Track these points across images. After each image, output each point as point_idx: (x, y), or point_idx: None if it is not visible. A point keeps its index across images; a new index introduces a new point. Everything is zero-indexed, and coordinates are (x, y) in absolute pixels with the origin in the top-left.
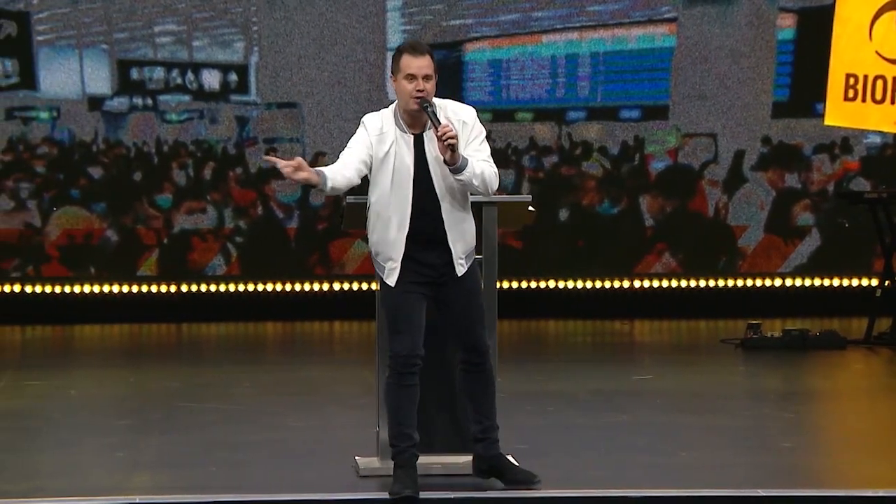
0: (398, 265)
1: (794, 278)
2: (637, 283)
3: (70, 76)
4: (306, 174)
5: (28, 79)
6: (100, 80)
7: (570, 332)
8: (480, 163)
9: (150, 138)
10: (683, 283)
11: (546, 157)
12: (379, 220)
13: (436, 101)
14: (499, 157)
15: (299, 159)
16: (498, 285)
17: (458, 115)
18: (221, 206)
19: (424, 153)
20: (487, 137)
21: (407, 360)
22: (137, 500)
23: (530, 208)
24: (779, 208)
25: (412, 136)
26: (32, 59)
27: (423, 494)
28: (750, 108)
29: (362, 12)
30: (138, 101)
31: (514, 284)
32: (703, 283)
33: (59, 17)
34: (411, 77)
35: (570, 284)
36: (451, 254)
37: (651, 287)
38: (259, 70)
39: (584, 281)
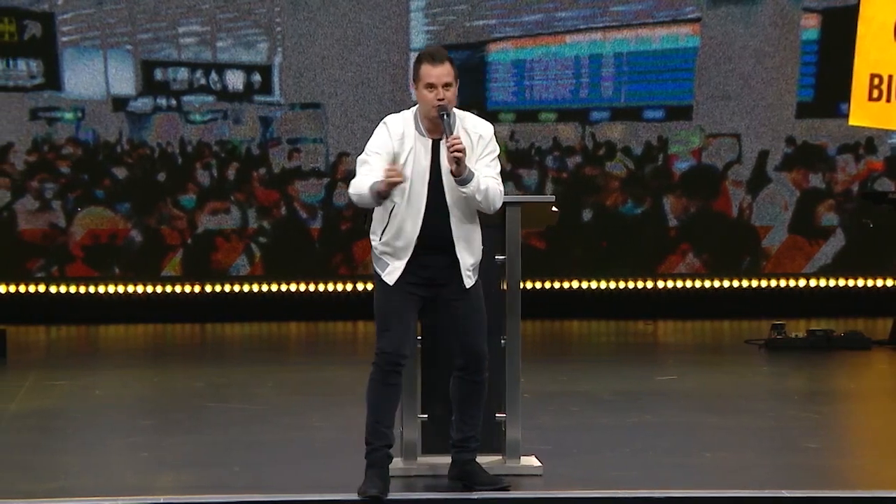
0: (402, 267)
1: (818, 279)
2: (661, 284)
3: (94, 77)
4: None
5: (53, 79)
6: (124, 80)
7: (593, 333)
8: (487, 179)
9: (173, 139)
10: (707, 284)
11: (569, 157)
12: (393, 221)
13: (457, 111)
14: (522, 157)
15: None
16: (521, 286)
17: (476, 129)
18: (245, 206)
19: (440, 160)
20: (511, 138)
21: (391, 359)
22: (162, 500)
23: (554, 209)
24: (803, 209)
25: (430, 141)
26: (57, 59)
27: (449, 495)
28: (774, 108)
29: (386, 13)
30: (162, 101)
31: (538, 285)
32: (726, 284)
33: (84, 18)
34: (431, 86)
35: (594, 285)
36: (456, 262)
37: (675, 287)
38: (282, 71)
39: (608, 281)
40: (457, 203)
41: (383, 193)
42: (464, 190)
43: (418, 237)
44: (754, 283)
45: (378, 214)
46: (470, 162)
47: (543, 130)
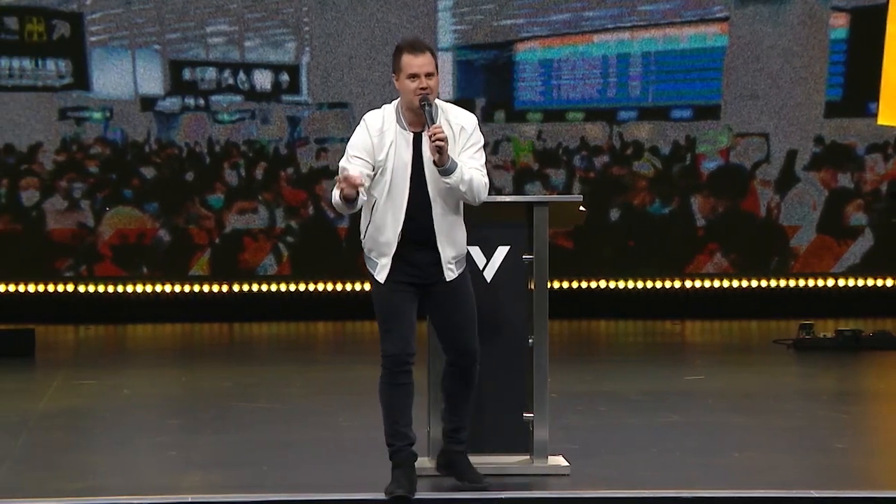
0: (389, 262)
1: (846, 278)
2: (688, 284)
3: (123, 77)
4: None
5: (81, 79)
6: (152, 80)
7: (621, 333)
8: (471, 170)
9: (201, 138)
10: (735, 284)
11: (597, 157)
12: (375, 216)
13: (440, 103)
14: (550, 157)
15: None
16: (549, 285)
17: (458, 120)
18: (273, 206)
19: (422, 152)
20: (538, 137)
21: (398, 359)
22: (189, 499)
23: (581, 208)
24: (831, 208)
25: (412, 134)
26: (85, 59)
27: (477, 495)
28: (802, 107)
29: (413, 12)
30: (190, 101)
31: (565, 284)
32: (754, 284)
33: (112, 18)
34: (414, 76)
35: (621, 284)
36: (439, 256)
37: (702, 287)
38: (310, 70)
39: (635, 281)
40: (439, 195)
41: (348, 198)
42: (447, 180)
43: (401, 231)
44: (782, 283)
45: (363, 213)
46: (453, 153)
47: (571, 130)
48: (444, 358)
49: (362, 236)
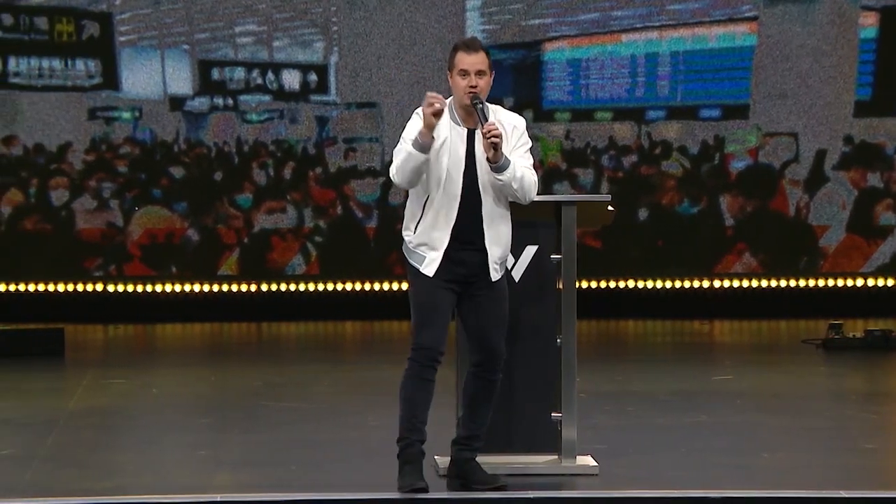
0: (440, 257)
1: (876, 278)
2: (717, 283)
3: (152, 76)
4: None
5: (110, 79)
6: (181, 80)
7: (649, 332)
8: (523, 168)
9: (230, 138)
10: (764, 283)
11: (625, 156)
12: (428, 211)
13: (489, 105)
14: (578, 156)
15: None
16: (577, 285)
17: (510, 120)
18: (301, 205)
19: (475, 149)
20: (567, 137)
21: (429, 354)
22: (219, 499)
23: (609, 208)
24: (861, 208)
25: (465, 130)
26: (115, 59)
27: (503, 495)
28: (832, 106)
29: (442, 12)
30: (219, 101)
31: (594, 284)
32: (783, 284)
33: (141, 18)
34: (464, 73)
35: (650, 284)
36: (486, 255)
37: (731, 287)
38: (339, 70)
39: (664, 281)
40: (490, 193)
41: (427, 133)
42: (500, 177)
43: (453, 226)
44: (811, 283)
45: (411, 209)
46: (505, 151)
47: (599, 129)
48: (470, 360)
49: (412, 232)
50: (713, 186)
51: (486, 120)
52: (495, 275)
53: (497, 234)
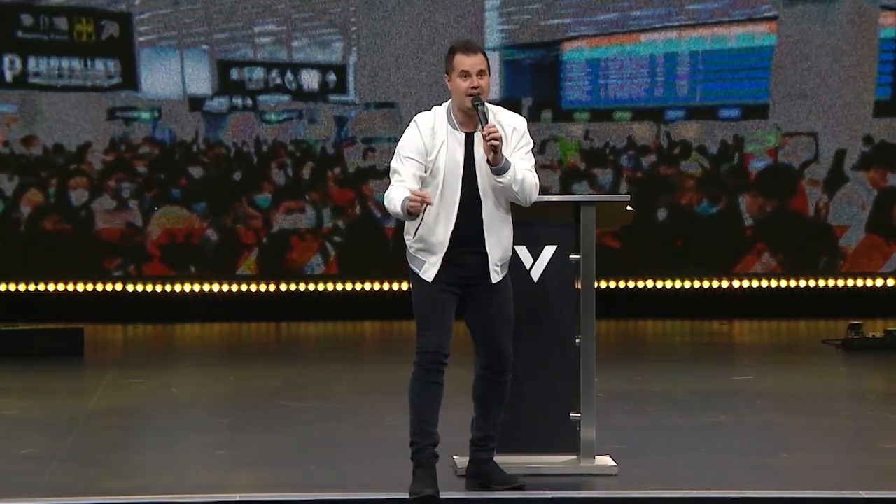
0: (439, 261)
1: (895, 278)
2: (736, 283)
3: (171, 77)
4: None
5: (130, 79)
6: (200, 80)
7: (668, 332)
8: (524, 170)
9: (249, 138)
10: (783, 284)
11: (644, 156)
12: (427, 217)
13: (490, 106)
14: (597, 156)
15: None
16: (596, 285)
17: (509, 121)
18: (320, 205)
19: (473, 152)
20: (586, 137)
21: (434, 358)
22: (238, 498)
23: (629, 208)
24: (880, 208)
25: (463, 134)
26: (134, 59)
27: (522, 495)
28: (851, 106)
29: (460, 12)
30: (238, 101)
31: (612, 284)
32: (803, 284)
33: (161, 19)
34: (465, 74)
35: (669, 284)
36: (486, 258)
37: (750, 287)
38: (357, 70)
39: (683, 281)
40: (490, 197)
41: (413, 214)
42: (500, 180)
43: (452, 231)
44: (831, 283)
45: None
46: (505, 153)
47: (618, 129)
48: (478, 362)
49: (411, 236)
50: (732, 186)
51: (487, 122)
52: (495, 276)
53: (498, 238)
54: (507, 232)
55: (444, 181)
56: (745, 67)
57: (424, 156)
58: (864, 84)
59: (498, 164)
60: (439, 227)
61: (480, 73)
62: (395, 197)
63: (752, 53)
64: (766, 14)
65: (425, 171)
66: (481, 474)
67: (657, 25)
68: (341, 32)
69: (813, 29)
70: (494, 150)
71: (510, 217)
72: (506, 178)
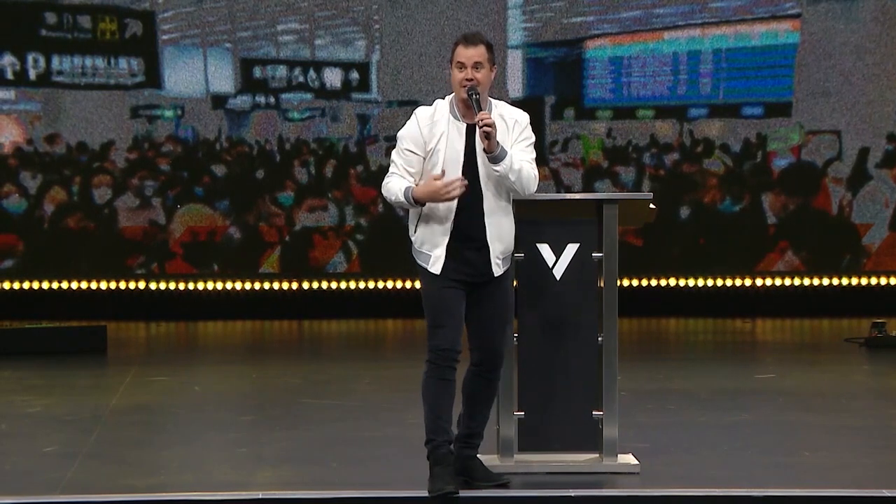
0: (443, 254)
1: None
2: (759, 282)
3: (194, 75)
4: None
5: (153, 77)
6: (223, 78)
7: (690, 331)
8: (521, 161)
9: (272, 136)
10: (806, 282)
11: (667, 154)
12: (428, 209)
13: (493, 101)
14: (619, 154)
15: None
16: (618, 283)
17: (512, 115)
18: (342, 203)
19: (474, 143)
20: (608, 135)
21: (447, 354)
22: (260, 496)
23: (651, 206)
24: None
25: (464, 125)
26: (157, 57)
27: (545, 492)
28: (875, 104)
29: (483, 10)
30: (261, 99)
31: (635, 282)
32: (826, 282)
33: (184, 17)
34: (461, 66)
35: (691, 282)
36: (488, 253)
37: (773, 285)
38: (380, 68)
39: (706, 279)
40: (491, 188)
41: (426, 199)
42: (497, 168)
43: (453, 221)
44: (854, 281)
45: (413, 209)
46: (506, 145)
47: (641, 127)
48: (470, 358)
49: (413, 231)
50: (755, 184)
51: (481, 109)
52: (497, 269)
53: (499, 230)
54: (508, 224)
55: (444, 171)
56: (769, 65)
57: (423, 147)
58: (888, 82)
59: (493, 152)
60: (441, 218)
61: (476, 66)
62: (395, 187)
63: (775, 51)
64: (789, 12)
65: (424, 161)
66: (466, 471)
67: (680, 23)
68: (364, 30)
69: (836, 27)
70: (487, 136)
71: (511, 210)
72: (502, 167)
